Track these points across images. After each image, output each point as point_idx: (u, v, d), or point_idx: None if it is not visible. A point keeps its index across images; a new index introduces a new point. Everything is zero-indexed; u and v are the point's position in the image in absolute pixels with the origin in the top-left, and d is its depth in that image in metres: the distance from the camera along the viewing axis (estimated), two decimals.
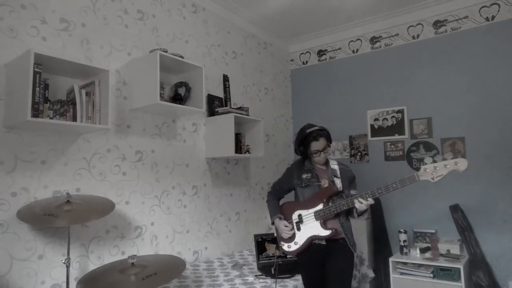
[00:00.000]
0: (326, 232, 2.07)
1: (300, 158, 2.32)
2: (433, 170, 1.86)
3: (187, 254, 2.75)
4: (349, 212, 2.14)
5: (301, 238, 2.15)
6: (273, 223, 2.27)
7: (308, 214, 2.13)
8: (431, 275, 2.90)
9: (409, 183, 1.89)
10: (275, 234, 2.35)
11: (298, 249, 2.16)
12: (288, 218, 2.22)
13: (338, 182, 2.15)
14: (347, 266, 2.11)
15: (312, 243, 2.13)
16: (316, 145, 2.14)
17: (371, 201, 1.96)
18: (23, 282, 1.81)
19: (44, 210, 1.71)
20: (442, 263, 2.88)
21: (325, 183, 2.17)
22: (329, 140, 2.20)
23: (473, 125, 3.19)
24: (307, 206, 2.15)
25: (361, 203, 1.96)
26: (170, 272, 1.69)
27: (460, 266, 2.79)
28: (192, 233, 2.81)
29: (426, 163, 1.88)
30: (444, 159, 1.85)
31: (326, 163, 2.25)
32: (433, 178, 1.87)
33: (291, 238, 2.19)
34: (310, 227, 2.12)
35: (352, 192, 2.17)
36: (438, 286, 2.86)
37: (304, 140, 2.18)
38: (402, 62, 3.59)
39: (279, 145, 4.04)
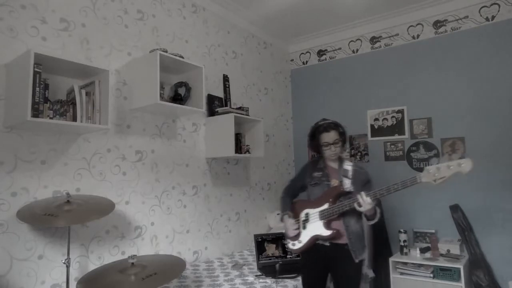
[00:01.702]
0: (327, 232, 2.04)
1: (316, 157, 2.30)
2: (435, 171, 1.80)
3: (187, 254, 2.75)
4: (360, 216, 2.08)
5: (305, 237, 2.14)
6: (281, 220, 2.28)
7: (314, 213, 2.11)
8: (431, 275, 2.90)
9: (410, 184, 1.85)
10: (284, 231, 2.32)
11: (301, 247, 2.14)
12: (297, 216, 2.21)
13: (347, 183, 2.09)
14: (352, 274, 2.05)
15: (315, 243, 2.11)
16: (325, 137, 2.11)
17: (368, 201, 1.88)
18: (23, 282, 1.81)
19: (44, 210, 1.71)
20: (442, 263, 2.88)
21: (334, 182, 2.13)
22: (342, 135, 2.15)
23: (473, 125, 3.19)
24: (315, 205, 2.13)
25: (360, 206, 1.91)
26: (170, 272, 1.69)
27: (460, 266, 2.79)
28: (192, 233, 2.81)
29: (430, 165, 1.84)
30: (450, 160, 1.81)
31: (340, 163, 2.19)
32: (435, 180, 1.80)
33: (297, 236, 2.17)
34: (314, 226, 2.10)
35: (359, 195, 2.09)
36: (438, 286, 2.86)
37: (315, 132, 2.16)
38: (402, 62, 3.59)
39: (279, 145, 4.04)
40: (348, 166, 2.16)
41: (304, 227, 2.15)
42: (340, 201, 2.05)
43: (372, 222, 2.04)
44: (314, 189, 2.18)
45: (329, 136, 2.11)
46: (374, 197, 1.91)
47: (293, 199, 2.34)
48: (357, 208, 1.93)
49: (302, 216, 2.18)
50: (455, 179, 3.13)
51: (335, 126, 2.14)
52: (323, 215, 2.07)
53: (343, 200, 2.04)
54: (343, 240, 2.06)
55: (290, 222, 2.18)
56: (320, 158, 2.26)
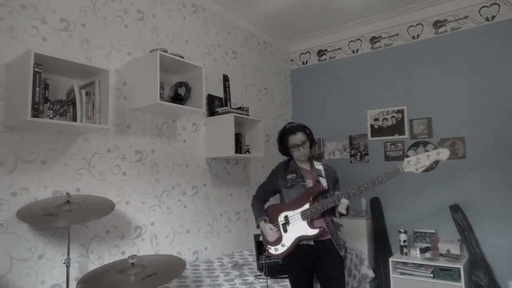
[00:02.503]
0: (313, 231, 2.05)
1: (285, 160, 2.32)
2: (416, 161, 1.91)
3: (187, 254, 2.75)
4: (332, 213, 2.12)
5: (288, 239, 2.11)
6: (258, 227, 2.22)
7: (294, 215, 2.11)
8: (431, 275, 2.90)
9: (393, 175, 1.93)
10: (261, 238, 2.29)
11: (285, 251, 2.11)
12: (273, 221, 2.18)
13: (323, 182, 2.14)
14: (337, 269, 2.09)
15: (299, 244, 2.10)
16: (294, 139, 2.16)
17: (345, 201, 1.98)
18: (23, 282, 1.81)
19: (44, 210, 1.71)
20: (442, 263, 2.88)
21: (310, 183, 2.16)
22: (309, 136, 2.20)
23: (473, 125, 3.19)
24: (293, 206, 2.13)
25: (344, 201, 1.99)
26: (170, 272, 1.69)
27: (460, 266, 2.79)
28: (192, 233, 2.81)
29: (409, 156, 1.91)
30: (426, 151, 1.90)
31: (311, 164, 2.24)
32: (417, 169, 1.91)
33: (278, 241, 2.14)
34: (297, 227, 2.09)
35: (337, 193, 2.13)
36: (438, 286, 2.86)
37: (283, 136, 2.21)
38: (402, 62, 3.59)
39: None
40: (319, 166, 2.23)
41: (285, 230, 2.13)
42: (318, 200, 2.08)
43: (344, 217, 2.14)
44: (290, 191, 2.18)
45: (297, 138, 2.16)
46: (359, 191, 1.98)
47: (264, 204, 2.33)
48: (342, 203, 2.00)
49: (281, 219, 2.16)
50: (455, 179, 3.18)
51: (302, 128, 2.20)
52: (305, 215, 2.07)
53: (320, 199, 2.08)
54: (326, 236, 2.10)
55: (269, 227, 2.15)
56: (289, 161, 2.28)
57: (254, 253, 2.71)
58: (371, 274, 3.27)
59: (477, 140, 3.16)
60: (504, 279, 2.96)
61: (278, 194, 2.32)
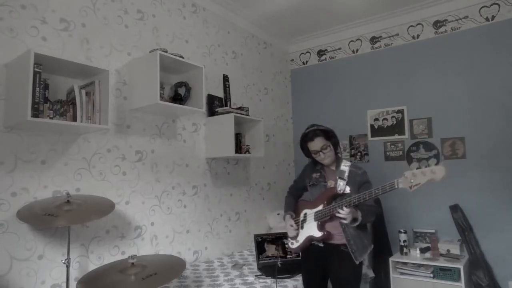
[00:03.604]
0: (319, 234, 2.07)
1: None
2: (411, 177, 1.78)
3: (187, 254, 2.75)
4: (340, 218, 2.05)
5: (302, 236, 2.17)
6: (284, 219, 2.33)
7: (311, 214, 2.14)
8: (431, 275, 2.90)
9: (389, 189, 1.83)
10: (286, 230, 2.37)
11: (298, 247, 2.19)
12: (298, 216, 2.25)
13: (342, 184, 2.06)
14: (349, 275, 2.03)
15: (311, 244, 2.14)
16: (312, 145, 2.13)
17: (346, 211, 1.89)
18: (23, 282, 1.81)
19: (44, 210, 1.71)
20: (442, 263, 2.88)
21: (331, 183, 2.13)
22: (329, 138, 2.14)
23: (473, 125, 3.19)
24: (312, 205, 2.16)
25: (341, 211, 1.90)
26: (170, 272, 1.69)
27: (460, 266, 2.79)
28: (192, 233, 2.81)
29: (411, 169, 1.81)
30: (428, 166, 1.77)
31: (337, 164, 2.17)
32: (410, 187, 1.78)
33: (296, 236, 2.21)
34: (309, 227, 2.13)
35: (347, 198, 2.01)
36: (438, 286, 2.86)
37: (302, 142, 2.20)
38: (402, 62, 3.59)
39: (279, 145, 4.04)
40: (345, 167, 2.13)
41: (302, 227, 2.19)
42: (336, 202, 2.04)
43: (354, 224, 1.98)
44: (313, 190, 2.22)
45: (315, 144, 2.12)
46: (359, 201, 1.89)
47: (296, 199, 2.38)
48: (337, 213, 1.93)
49: (301, 216, 2.22)
50: (455, 179, 3.17)
51: (320, 132, 2.12)
52: (317, 216, 2.09)
53: (338, 202, 2.03)
54: (339, 241, 2.06)
55: (290, 222, 2.23)
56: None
57: (254, 253, 2.71)
58: (371, 274, 3.26)
59: (477, 140, 3.16)
60: (504, 279, 2.96)
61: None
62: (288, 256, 2.71)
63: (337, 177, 2.10)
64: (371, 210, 2.07)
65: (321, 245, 2.10)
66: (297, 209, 2.28)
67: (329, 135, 2.16)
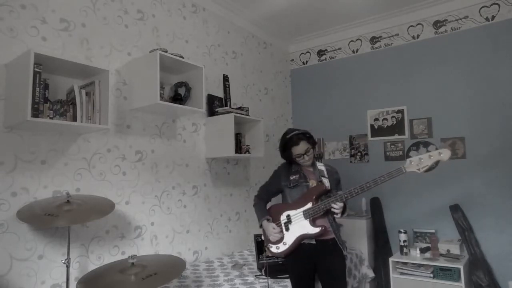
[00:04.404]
0: (315, 230, 2.07)
1: (286, 162, 2.33)
2: (418, 161, 1.94)
3: (187, 254, 2.75)
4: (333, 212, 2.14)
5: (290, 238, 2.14)
6: (260, 226, 2.27)
7: (296, 214, 2.13)
8: (431, 275, 2.90)
9: (396, 175, 1.95)
10: (263, 237, 2.33)
11: (287, 249, 2.14)
12: (276, 220, 2.20)
13: (326, 182, 2.16)
14: (340, 267, 2.13)
15: (301, 243, 2.13)
16: (297, 149, 2.16)
17: (339, 204, 2.01)
18: (23, 282, 1.81)
19: (44, 210, 1.71)
20: (442, 263, 2.88)
21: (313, 183, 2.18)
22: (311, 142, 2.21)
23: (473, 125, 3.19)
24: (295, 206, 2.15)
25: (334, 205, 2.01)
26: (170, 272, 1.69)
27: (460, 266, 2.79)
28: (192, 233, 2.81)
29: (410, 156, 1.93)
30: (428, 151, 1.92)
31: (313, 165, 2.27)
32: (419, 169, 1.94)
33: (280, 239, 2.18)
34: (299, 226, 2.12)
35: (339, 192, 2.17)
36: (438, 286, 2.86)
37: (286, 145, 2.21)
38: (402, 62, 3.59)
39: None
40: (321, 166, 2.25)
41: (287, 229, 2.16)
42: (321, 199, 2.11)
43: (344, 216, 2.14)
44: (293, 191, 2.21)
45: (300, 148, 2.16)
46: (362, 190, 2.00)
47: (266, 205, 2.36)
48: (334, 207, 2.03)
49: (283, 218, 2.18)
50: (455, 179, 3.17)
51: (303, 136, 2.19)
52: (308, 214, 2.09)
53: (323, 199, 2.10)
54: (329, 236, 2.12)
55: (272, 226, 2.18)
56: (292, 162, 2.29)
57: (254, 253, 2.70)
58: (371, 274, 3.27)
59: (477, 140, 3.16)
60: (504, 279, 2.96)
61: (279, 195, 2.34)
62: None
63: (320, 176, 2.19)
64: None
65: (314, 242, 2.11)
66: (270, 214, 2.26)
67: (311, 138, 2.23)
